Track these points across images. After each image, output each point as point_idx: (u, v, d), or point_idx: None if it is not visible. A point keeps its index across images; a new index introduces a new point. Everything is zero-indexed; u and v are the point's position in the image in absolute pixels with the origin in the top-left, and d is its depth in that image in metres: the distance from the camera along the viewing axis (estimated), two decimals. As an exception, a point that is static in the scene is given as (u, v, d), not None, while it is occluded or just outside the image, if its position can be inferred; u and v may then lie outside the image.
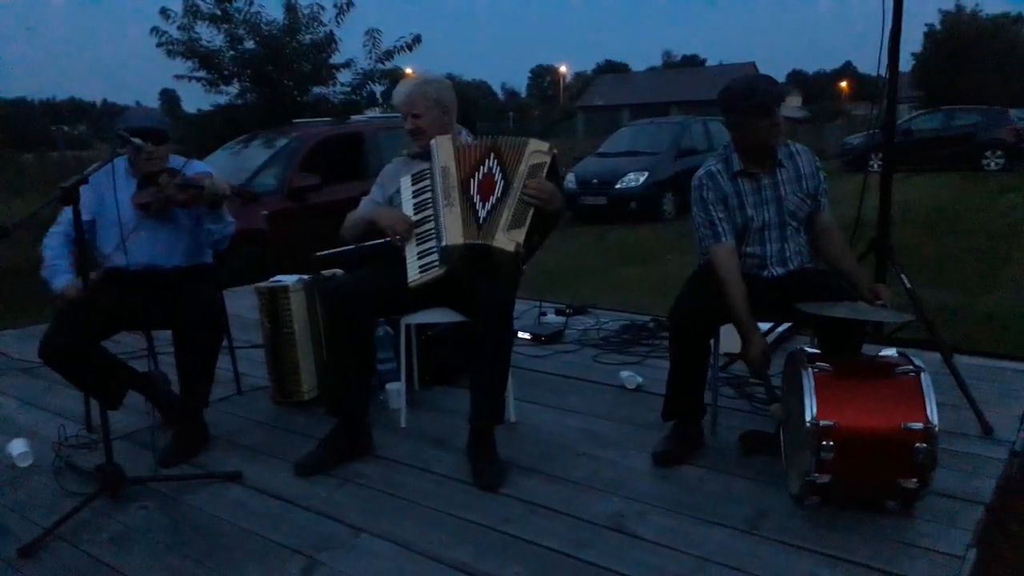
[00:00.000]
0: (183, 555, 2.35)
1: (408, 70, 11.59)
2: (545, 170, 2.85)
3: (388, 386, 3.48)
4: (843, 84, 61.22)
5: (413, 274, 2.84)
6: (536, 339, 4.36)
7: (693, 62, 77.14)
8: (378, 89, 11.70)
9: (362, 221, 3.06)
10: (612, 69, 75.22)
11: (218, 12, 10.35)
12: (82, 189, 2.51)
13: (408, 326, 3.32)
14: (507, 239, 2.75)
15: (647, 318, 4.69)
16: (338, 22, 10.72)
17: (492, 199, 2.83)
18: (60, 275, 2.97)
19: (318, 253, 3.92)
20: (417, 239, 2.89)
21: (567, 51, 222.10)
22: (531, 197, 2.79)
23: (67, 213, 3.06)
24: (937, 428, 2.28)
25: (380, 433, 3.10)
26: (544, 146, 2.91)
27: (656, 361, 3.94)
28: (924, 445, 2.26)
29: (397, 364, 3.56)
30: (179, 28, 10.25)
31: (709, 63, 70.58)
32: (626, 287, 6.86)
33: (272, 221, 6.56)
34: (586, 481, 2.72)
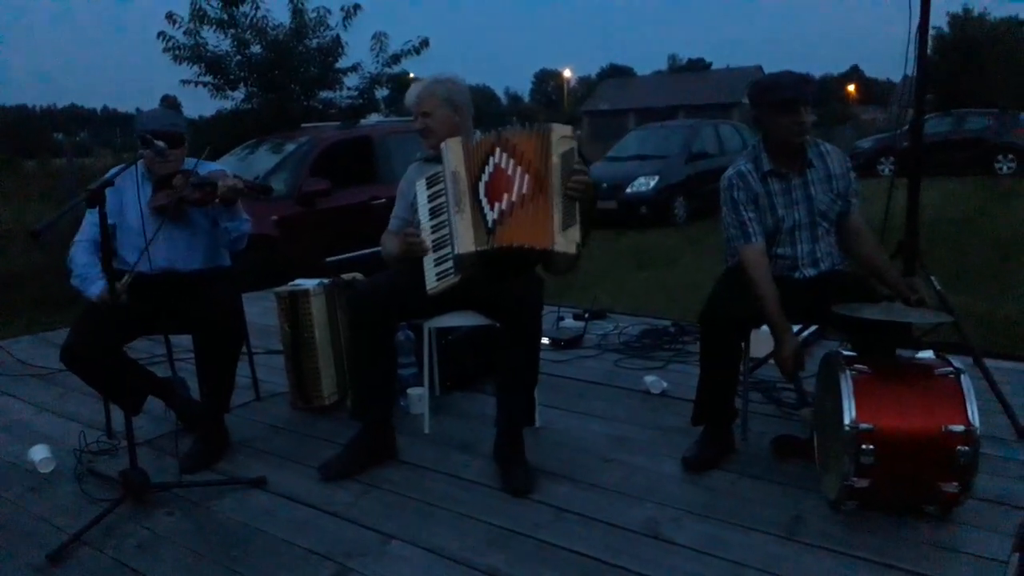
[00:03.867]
0: (212, 561, 2.31)
1: (411, 74, 11.59)
2: (576, 156, 2.73)
3: (410, 391, 3.45)
4: (850, 88, 61.17)
5: (431, 282, 2.80)
6: (556, 344, 4.32)
7: (699, 65, 77.10)
8: (381, 94, 11.69)
9: (393, 259, 3.00)
10: (617, 73, 75.20)
11: (224, 17, 10.36)
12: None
13: (430, 330, 3.28)
14: (566, 241, 2.66)
15: (667, 323, 4.65)
16: (345, 26, 10.73)
17: (509, 197, 2.72)
18: (94, 282, 2.96)
19: (329, 259, 3.91)
20: (434, 246, 2.84)
21: (571, 55, 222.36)
22: (575, 191, 2.68)
23: (90, 220, 3.06)
24: (979, 431, 2.24)
25: (404, 439, 3.06)
26: (567, 129, 2.77)
27: (679, 366, 3.91)
28: (966, 448, 2.22)
29: (419, 368, 3.53)
30: (185, 33, 10.26)
31: (715, 66, 70.45)
32: (641, 292, 6.82)
33: (282, 226, 6.53)
34: (617, 487, 2.68)
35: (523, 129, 2.82)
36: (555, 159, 2.72)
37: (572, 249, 2.67)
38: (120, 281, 2.70)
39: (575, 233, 2.67)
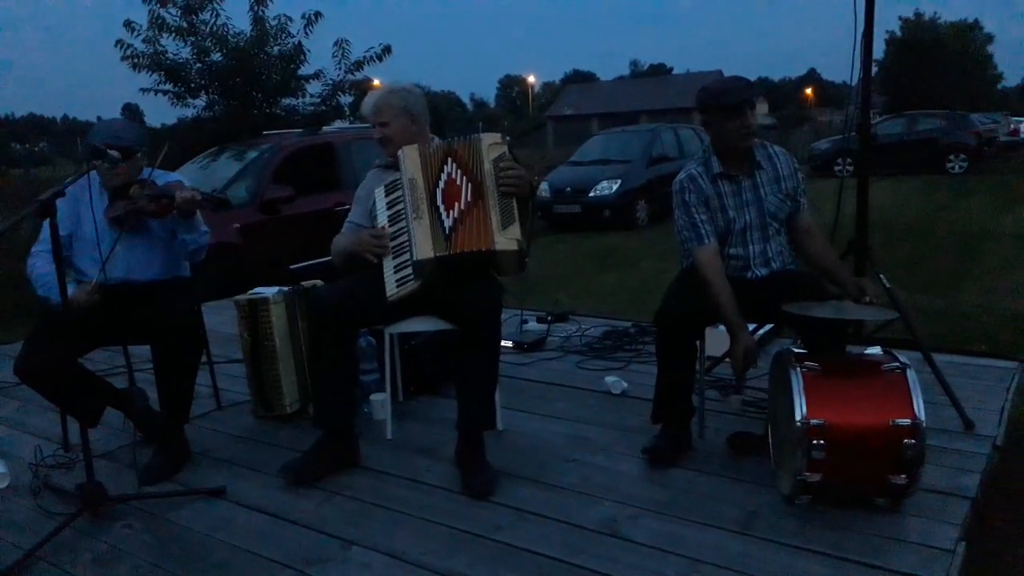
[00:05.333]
0: (170, 574, 2.29)
1: (376, 81, 11.55)
2: (507, 158, 2.83)
3: (372, 397, 3.45)
4: (808, 91, 62.20)
5: (391, 288, 2.83)
6: (519, 347, 4.35)
7: (660, 71, 77.83)
8: (345, 101, 11.65)
9: (343, 256, 3.03)
10: (580, 79, 75.70)
11: (184, 25, 10.24)
12: (58, 204, 2.45)
13: (392, 336, 3.29)
14: (506, 240, 2.73)
15: (628, 324, 4.70)
16: (307, 33, 10.66)
17: (459, 206, 2.81)
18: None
19: (292, 266, 3.91)
20: (393, 252, 2.87)
21: (535, 61, 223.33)
22: (509, 187, 2.77)
23: (48, 229, 3.01)
24: (924, 424, 2.30)
25: (366, 445, 3.06)
26: (496, 136, 2.91)
27: (640, 366, 3.96)
28: (912, 441, 2.28)
29: (381, 375, 3.53)
30: (144, 41, 10.12)
31: (676, 71, 71.28)
32: (604, 293, 6.88)
33: (245, 234, 6.49)
34: (577, 487, 2.71)
35: (463, 139, 2.91)
36: (487, 165, 2.81)
37: (513, 246, 2.73)
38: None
39: (515, 230, 2.75)
